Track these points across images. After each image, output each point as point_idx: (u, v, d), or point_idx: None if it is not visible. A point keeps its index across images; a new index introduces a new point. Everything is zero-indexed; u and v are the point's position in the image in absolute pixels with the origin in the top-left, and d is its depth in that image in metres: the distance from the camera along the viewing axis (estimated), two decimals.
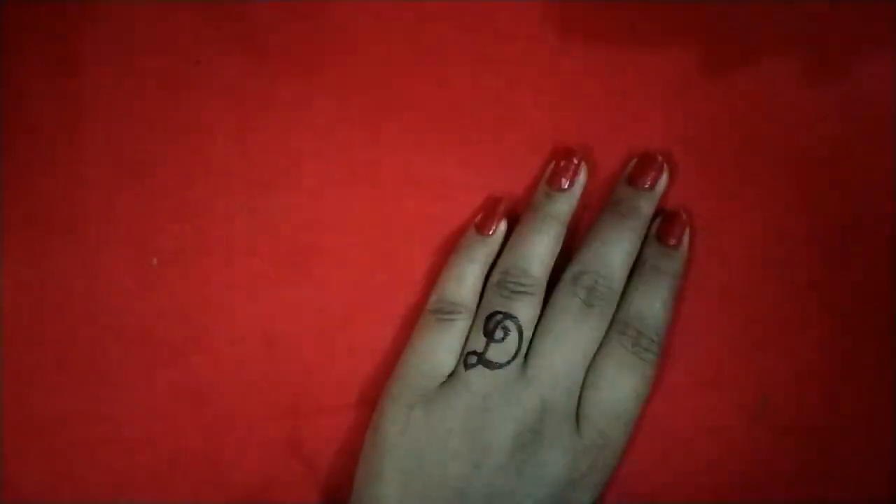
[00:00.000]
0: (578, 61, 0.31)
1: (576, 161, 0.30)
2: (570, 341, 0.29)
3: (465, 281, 0.30)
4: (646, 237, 0.30)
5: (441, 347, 0.30)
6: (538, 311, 0.30)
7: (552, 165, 0.31)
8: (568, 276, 0.30)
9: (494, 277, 0.30)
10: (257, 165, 0.33)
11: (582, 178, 0.31)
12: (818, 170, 0.30)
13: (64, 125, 0.33)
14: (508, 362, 0.29)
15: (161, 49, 0.33)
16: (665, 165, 0.30)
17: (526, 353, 0.30)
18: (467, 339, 0.30)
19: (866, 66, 0.30)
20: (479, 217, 0.31)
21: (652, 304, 0.29)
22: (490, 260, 0.31)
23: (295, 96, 0.33)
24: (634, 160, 0.30)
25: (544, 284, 0.30)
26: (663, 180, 0.30)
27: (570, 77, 0.31)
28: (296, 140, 0.33)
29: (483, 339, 0.30)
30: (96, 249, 0.33)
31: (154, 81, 0.33)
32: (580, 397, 0.30)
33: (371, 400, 0.32)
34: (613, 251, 0.29)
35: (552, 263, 0.30)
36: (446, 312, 0.30)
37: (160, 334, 0.33)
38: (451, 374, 0.30)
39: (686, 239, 0.30)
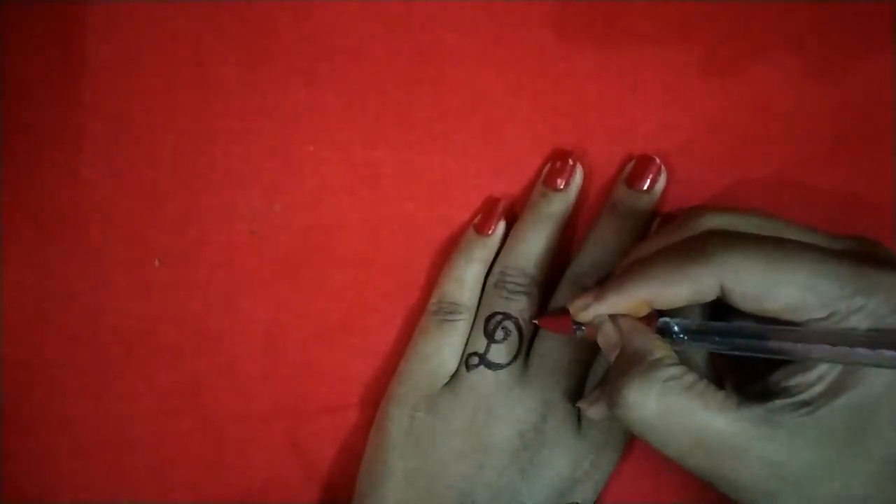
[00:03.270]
0: (577, 63, 0.31)
1: (571, 162, 0.30)
2: (570, 341, 0.29)
3: (464, 281, 0.30)
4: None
5: (443, 349, 0.30)
6: (536, 311, 0.30)
7: (548, 166, 0.31)
8: (568, 276, 0.30)
9: (493, 278, 0.30)
10: (258, 166, 0.33)
11: (578, 178, 0.31)
12: (818, 170, 0.30)
13: (64, 126, 0.33)
14: (510, 362, 0.30)
15: (162, 50, 0.33)
16: (663, 167, 0.30)
17: (527, 353, 0.30)
18: (468, 339, 0.30)
19: (866, 66, 0.30)
20: (478, 218, 0.31)
21: None
22: (489, 260, 0.31)
23: (296, 98, 0.33)
24: (632, 162, 0.30)
25: (542, 283, 0.30)
26: (661, 182, 0.30)
27: (568, 78, 0.31)
28: (297, 141, 0.33)
29: (484, 340, 0.30)
30: (98, 250, 0.33)
31: (155, 83, 0.33)
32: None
33: (371, 400, 0.32)
34: (612, 253, 0.29)
35: (549, 262, 0.30)
36: (447, 313, 0.30)
37: (161, 335, 0.33)
38: (454, 376, 0.30)
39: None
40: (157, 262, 0.33)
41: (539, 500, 0.29)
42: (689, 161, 0.31)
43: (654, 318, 0.25)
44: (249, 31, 0.33)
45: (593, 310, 0.25)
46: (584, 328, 0.26)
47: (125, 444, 0.33)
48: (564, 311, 0.27)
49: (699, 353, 0.26)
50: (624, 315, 0.25)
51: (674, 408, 0.23)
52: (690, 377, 0.23)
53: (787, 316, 0.23)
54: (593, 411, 0.27)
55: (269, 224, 0.33)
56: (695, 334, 0.25)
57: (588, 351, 0.30)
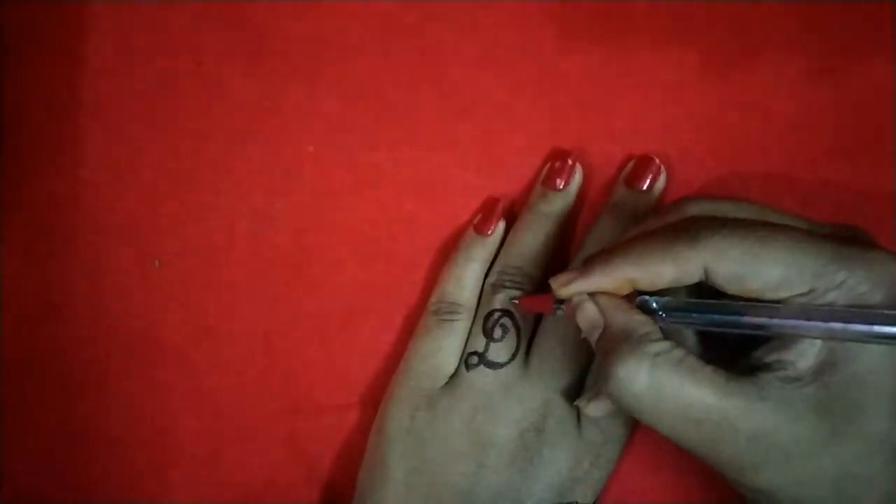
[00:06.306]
0: (577, 63, 0.31)
1: (570, 162, 0.30)
2: (570, 339, 0.29)
3: (464, 281, 0.31)
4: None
5: (442, 349, 0.30)
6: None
7: (548, 166, 0.31)
8: None
9: (492, 277, 0.30)
10: (258, 167, 0.33)
11: (577, 178, 0.31)
12: (818, 169, 0.30)
13: (64, 126, 0.33)
14: (509, 361, 0.30)
15: (162, 51, 0.33)
16: (662, 167, 0.30)
17: (527, 352, 0.30)
18: (468, 339, 0.30)
19: (866, 66, 0.30)
20: (477, 217, 0.31)
21: None
22: (489, 260, 0.31)
23: (296, 98, 0.33)
24: (632, 162, 0.30)
25: (541, 282, 0.30)
26: (661, 182, 0.30)
27: (568, 78, 0.31)
28: (296, 141, 0.33)
29: (483, 340, 0.30)
30: (98, 251, 0.33)
31: (155, 83, 0.33)
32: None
33: (371, 400, 0.32)
34: None
35: (547, 261, 0.30)
36: (446, 313, 0.30)
37: (161, 335, 0.33)
38: (454, 375, 0.30)
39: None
40: (157, 263, 0.33)
41: (539, 500, 0.29)
42: (689, 161, 0.31)
43: (634, 298, 0.25)
44: (249, 31, 0.33)
45: (576, 286, 0.25)
46: (563, 307, 0.26)
47: (125, 444, 0.33)
48: (545, 290, 0.26)
49: (689, 331, 0.26)
50: (604, 293, 0.25)
51: (664, 382, 0.23)
52: (679, 352, 0.23)
53: (769, 295, 0.23)
54: (591, 408, 0.27)
55: (269, 224, 0.33)
56: (673, 311, 0.25)
57: (588, 350, 0.30)
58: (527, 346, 0.30)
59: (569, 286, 0.25)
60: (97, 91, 0.33)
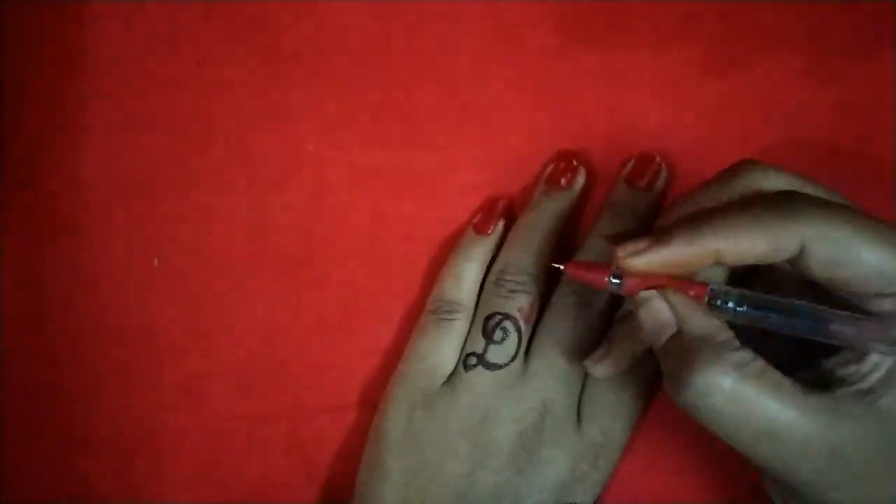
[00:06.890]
0: (577, 63, 0.31)
1: (574, 163, 0.30)
2: (569, 340, 0.29)
3: (463, 281, 0.30)
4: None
5: (441, 348, 0.30)
6: (536, 310, 0.30)
7: (551, 166, 0.31)
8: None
9: (492, 276, 0.30)
10: (258, 166, 0.33)
11: (580, 178, 0.31)
12: (818, 170, 0.30)
13: (64, 125, 0.33)
14: (508, 363, 0.30)
15: (162, 50, 0.33)
16: (663, 165, 0.30)
17: (526, 352, 0.30)
18: (467, 338, 0.30)
19: (866, 66, 0.30)
20: (477, 217, 0.31)
21: None
22: (488, 259, 0.31)
23: (296, 97, 0.33)
24: (632, 160, 0.30)
25: (542, 282, 0.30)
26: (661, 180, 0.30)
27: (569, 78, 0.31)
28: (297, 140, 0.33)
29: (482, 341, 0.30)
30: (98, 250, 0.33)
31: (155, 82, 0.33)
32: (581, 396, 0.30)
33: (371, 400, 0.32)
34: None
35: (549, 262, 0.30)
36: (445, 312, 0.30)
37: (161, 334, 0.33)
38: (452, 375, 0.30)
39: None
40: (156, 262, 0.33)
41: (538, 500, 0.29)
42: (689, 160, 0.31)
43: (692, 285, 0.23)
44: (249, 31, 0.33)
45: (649, 257, 0.23)
46: (622, 282, 0.23)
47: (125, 444, 0.33)
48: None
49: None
50: (676, 292, 0.23)
51: (745, 396, 0.21)
52: (760, 363, 0.22)
53: (857, 286, 0.22)
54: (598, 370, 0.26)
55: (269, 224, 0.33)
56: (752, 308, 0.23)
57: (587, 349, 0.29)
58: (526, 346, 0.30)
59: (640, 256, 0.23)
60: (97, 91, 0.33)
